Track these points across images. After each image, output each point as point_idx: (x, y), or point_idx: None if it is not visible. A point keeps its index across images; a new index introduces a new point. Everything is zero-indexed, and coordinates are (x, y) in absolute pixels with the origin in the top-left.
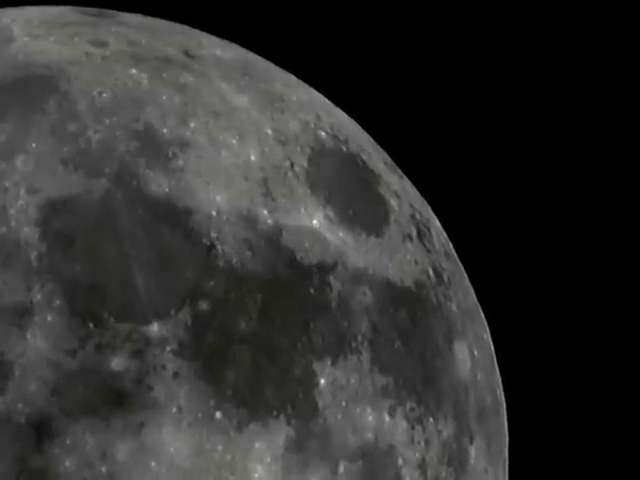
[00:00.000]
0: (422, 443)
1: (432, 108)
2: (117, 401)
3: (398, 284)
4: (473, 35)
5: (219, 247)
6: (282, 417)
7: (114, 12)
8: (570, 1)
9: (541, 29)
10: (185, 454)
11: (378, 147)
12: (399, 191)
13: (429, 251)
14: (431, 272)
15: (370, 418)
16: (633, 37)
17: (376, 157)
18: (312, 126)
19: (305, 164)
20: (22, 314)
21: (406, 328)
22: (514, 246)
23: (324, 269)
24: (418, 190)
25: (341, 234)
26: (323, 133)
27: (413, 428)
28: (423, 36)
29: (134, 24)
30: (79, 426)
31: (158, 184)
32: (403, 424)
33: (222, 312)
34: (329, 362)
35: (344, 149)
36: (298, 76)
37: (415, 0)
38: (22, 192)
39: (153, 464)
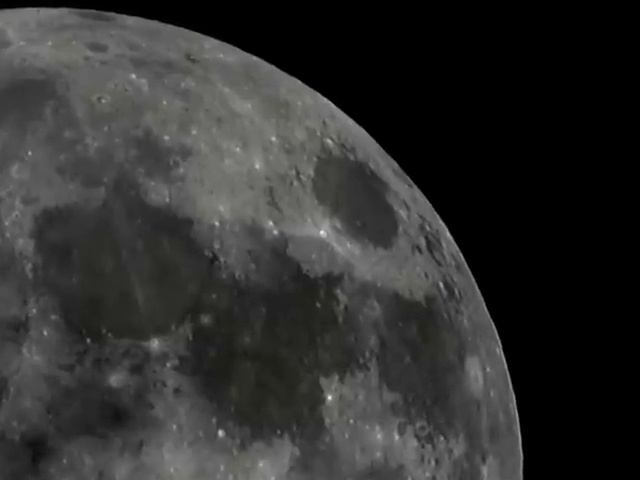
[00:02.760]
0: (433, 462)
1: (443, 114)
2: (115, 419)
3: (407, 297)
4: (481, 44)
5: (222, 259)
6: (287, 435)
7: (113, 15)
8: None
9: (554, 31)
10: (186, 474)
11: (386, 155)
12: (408, 200)
13: (439, 263)
14: (441, 286)
15: (379, 436)
16: (633, 37)
17: (384, 165)
18: (318, 134)
19: (311, 173)
20: (17, 328)
21: (416, 343)
22: (528, 258)
23: (331, 281)
24: (428, 199)
25: (348, 245)
26: (330, 141)
27: (423, 447)
28: (433, 41)
29: (134, 27)
30: (76, 445)
31: (158, 193)
32: (413, 443)
33: (225, 326)
34: (336, 378)
35: (351, 158)
36: (303, 81)
37: (422, 6)
38: (17, 202)
39: None
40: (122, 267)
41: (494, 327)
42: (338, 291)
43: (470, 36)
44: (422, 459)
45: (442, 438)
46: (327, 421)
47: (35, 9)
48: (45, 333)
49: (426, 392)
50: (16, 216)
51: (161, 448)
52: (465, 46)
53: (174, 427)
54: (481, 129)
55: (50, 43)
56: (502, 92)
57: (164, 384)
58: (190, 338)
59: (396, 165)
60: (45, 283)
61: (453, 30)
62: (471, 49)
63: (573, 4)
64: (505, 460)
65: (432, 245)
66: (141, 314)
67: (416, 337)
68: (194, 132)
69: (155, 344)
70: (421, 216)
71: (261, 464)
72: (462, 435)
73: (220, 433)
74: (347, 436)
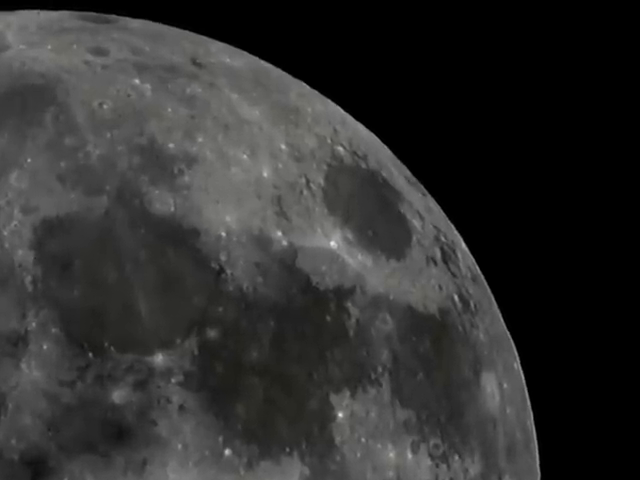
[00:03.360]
0: None
1: (458, 120)
2: (118, 436)
3: (421, 311)
4: (493, 52)
5: (229, 271)
6: (296, 454)
7: (115, 17)
8: None
9: (562, 32)
10: None
11: (399, 163)
12: (422, 210)
13: (454, 275)
14: (456, 298)
15: (391, 455)
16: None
17: (397, 174)
18: (329, 141)
19: (322, 182)
20: (16, 342)
21: (429, 358)
22: (547, 270)
23: (342, 294)
24: (443, 209)
25: (360, 257)
26: (341, 148)
27: (437, 466)
28: (447, 47)
29: (137, 30)
30: (77, 464)
31: (163, 202)
32: (427, 461)
33: (232, 341)
34: (347, 394)
35: (363, 166)
36: (313, 86)
37: (434, 13)
38: (16, 211)
39: None
40: (125, 279)
41: (511, 341)
42: (349, 304)
43: (487, 48)
44: (436, 479)
45: (457, 457)
46: (338, 439)
47: (35, 11)
48: (45, 347)
49: (440, 409)
50: (15, 226)
51: (165, 467)
52: (480, 56)
53: (179, 445)
54: (498, 137)
55: (50, 47)
56: (517, 101)
57: (169, 400)
58: (196, 353)
59: (409, 173)
60: (45, 295)
61: (469, 39)
62: (486, 60)
63: None
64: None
65: (447, 256)
66: (145, 327)
67: (430, 351)
68: (200, 139)
69: (159, 359)
70: (435, 226)
71: None
72: (478, 454)
73: (227, 452)
74: (358, 455)
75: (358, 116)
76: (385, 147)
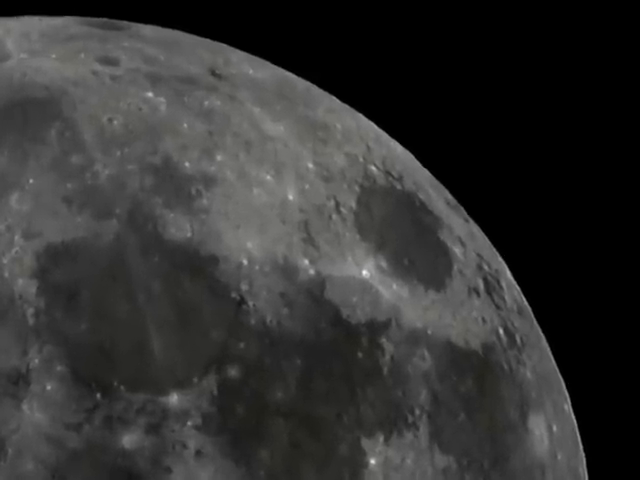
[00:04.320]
0: None
1: (504, 139)
2: None
3: (462, 346)
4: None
5: (250, 302)
6: None
7: (126, 23)
8: None
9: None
10: None
11: (439, 184)
12: (463, 237)
13: (499, 307)
14: (501, 332)
15: None
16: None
17: (436, 196)
18: (361, 160)
19: (353, 205)
20: (17, 381)
21: (472, 398)
22: (600, 303)
23: (375, 329)
24: (486, 235)
25: (395, 287)
26: (374, 168)
27: None
28: (492, 64)
29: (150, 37)
30: None
31: (178, 227)
32: None
33: (254, 379)
34: (381, 439)
35: (398, 187)
36: (343, 100)
37: (465, 25)
38: (17, 237)
39: None
40: (137, 311)
41: (561, 380)
42: (383, 339)
43: (516, 59)
44: None
45: None
46: None
47: (37, 18)
48: (48, 387)
49: (483, 455)
50: (16, 253)
51: None
52: (514, 70)
53: None
54: (549, 159)
55: (54, 55)
56: (567, 123)
57: (184, 445)
58: (215, 393)
59: (450, 196)
60: (49, 329)
61: (504, 54)
62: (534, 80)
63: None
64: None
65: (491, 287)
66: (158, 365)
67: (472, 391)
68: (219, 158)
69: (174, 399)
70: (478, 254)
71: None
72: None
73: None
74: None
75: (393, 133)
76: (423, 168)
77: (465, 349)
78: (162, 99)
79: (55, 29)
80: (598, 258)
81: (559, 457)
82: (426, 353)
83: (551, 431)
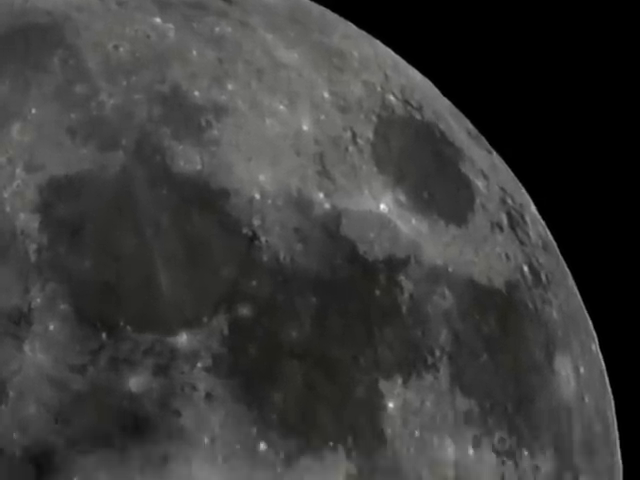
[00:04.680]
0: None
1: (529, 66)
2: (136, 429)
3: (485, 284)
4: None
5: (263, 238)
6: (341, 449)
7: None
8: None
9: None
10: None
11: (460, 114)
12: (486, 169)
13: (523, 243)
14: (526, 269)
15: (450, 450)
16: None
17: (457, 127)
18: (379, 89)
19: (370, 136)
20: (18, 321)
21: (494, 339)
22: (628, 238)
23: (393, 265)
24: (510, 168)
25: (414, 222)
26: (392, 97)
27: (503, 463)
28: None
29: None
30: (89, 460)
31: (187, 159)
32: (491, 458)
33: (267, 318)
34: (399, 381)
35: (418, 117)
36: (360, 26)
37: None
38: (19, 169)
39: None
40: (144, 247)
41: (589, 319)
42: (402, 277)
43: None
44: (502, 478)
45: (526, 453)
46: (388, 432)
47: None
48: (51, 327)
49: (507, 397)
50: (17, 186)
51: (190, 464)
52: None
53: (205, 439)
54: (575, 86)
55: None
56: (586, 59)
57: (194, 388)
58: (225, 332)
59: (471, 126)
60: (52, 266)
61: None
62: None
63: None
64: None
65: (515, 222)
66: (166, 303)
67: (495, 331)
68: (230, 87)
69: (183, 339)
70: (502, 188)
71: None
72: (550, 450)
73: (261, 446)
74: (412, 450)
75: (412, 61)
76: (443, 97)
77: (488, 287)
78: (170, 25)
79: None
80: (628, 189)
81: (586, 400)
82: (447, 291)
83: (578, 372)
